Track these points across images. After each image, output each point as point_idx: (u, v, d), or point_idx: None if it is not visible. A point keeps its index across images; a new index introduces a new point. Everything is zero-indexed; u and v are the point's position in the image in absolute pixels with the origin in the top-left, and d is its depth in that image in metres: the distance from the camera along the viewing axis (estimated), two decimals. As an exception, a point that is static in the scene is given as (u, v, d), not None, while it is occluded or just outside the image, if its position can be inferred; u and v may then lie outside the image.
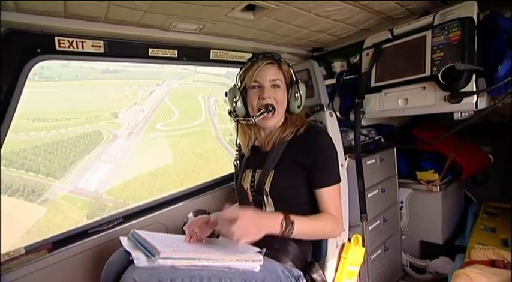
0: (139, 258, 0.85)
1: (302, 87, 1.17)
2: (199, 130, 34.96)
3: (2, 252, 1.14)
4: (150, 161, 29.45)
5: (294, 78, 1.18)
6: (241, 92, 1.18)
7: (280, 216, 0.96)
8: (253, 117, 1.13)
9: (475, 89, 1.09)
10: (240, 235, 0.86)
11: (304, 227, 0.99)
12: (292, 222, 0.96)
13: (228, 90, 1.23)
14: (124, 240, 0.99)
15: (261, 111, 1.11)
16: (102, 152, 29.69)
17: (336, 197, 1.11)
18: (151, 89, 40.25)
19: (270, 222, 0.95)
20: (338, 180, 1.12)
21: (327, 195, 1.09)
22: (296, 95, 1.16)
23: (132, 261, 0.86)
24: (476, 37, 1.09)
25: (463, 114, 1.16)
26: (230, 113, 1.21)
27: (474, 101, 1.10)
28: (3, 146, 1.09)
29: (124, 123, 33.72)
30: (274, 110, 1.12)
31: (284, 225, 0.94)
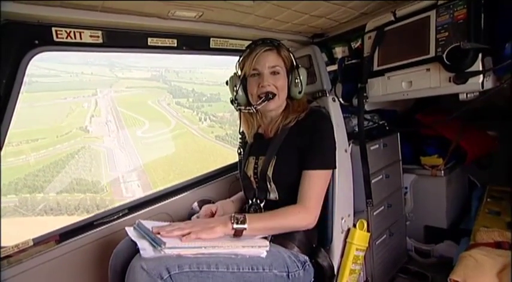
0: (146, 249, 0.85)
1: (302, 72, 1.16)
2: (181, 133, 34.40)
3: (11, 244, 1.15)
4: (166, 162, 29.15)
5: (294, 64, 1.17)
6: (242, 80, 1.17)
7: (230, 215, 0.97)
8: (253, 106, 1.12)
9: (481, 69, 1.06)
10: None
11: (258, 222, 0.99)
12: (244, 217, 0.95)
13: (228, 79, 1.23)
14: (130, 231, 0.99)
15: (261, 100, 1.10)
16: (113, 165, 29.13)
17: (318, 184, 1.07)
18: (91, 100, 37.97)
19: (219, 219, 0.98)
20: (328, 167, 1.10)
21: (309, 178, 1.06)
22: (296, 80, 1.15)
23: (139, 250, 0.87)
24: (482, 14, 1.06)
25: (468, 95, 1.14)
26: (232, 101, 1.20)
27: (480, 80, 1.08)
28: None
29: (104, 136, 32.64)
30: (275, 96, 1.12)
31: (235, 219, 0.94)
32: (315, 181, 1.06)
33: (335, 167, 1.13)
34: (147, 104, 39.13)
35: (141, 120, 35.66)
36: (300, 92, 1.16)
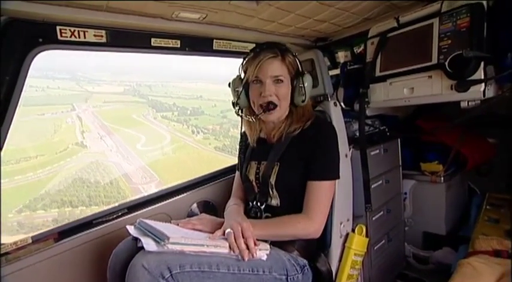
0: (149, 244, 0.85)
1: (307, 80, 1.13)
2: (179, 145, 34.01)
3: (10, 241, 1.15)
4: (177, 172, 28.66)
5: (300, 70, 1.15)
6: (244, 84, 1.15)
7: None
8: (253, 116, 1.13)
9: (483, 77, 1.07)
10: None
11: (263, 230, 1.00)
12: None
13: (231, 81, 1.22)
14: (131, 229, 0.99)
15: (262, 109, 1.09)
16: (127, 177, 28.74)
17: (323, 195, 1.07)
18: (72, 115, 36.47)
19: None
20: (333, 177, 1.09)
21: (313, 189, 1.06)
22: (301, 89, 1.11)
23: (140, 249, 0.87)
24: (485, 23, 1.07)
25: (470, 103, 1.15)
26: (234, 104, 1.20)
27: (482, 89, 1.08)
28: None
29: (106, 151, 32.06)
30: (276, 106, 1.10)
31: None
32: (319, 192, 1.06)
33: (338, 177, 1.13)
34: (133, 119, 38.49)
35: (134, 135, 35.11)
36: (303, 101, 1.13)
